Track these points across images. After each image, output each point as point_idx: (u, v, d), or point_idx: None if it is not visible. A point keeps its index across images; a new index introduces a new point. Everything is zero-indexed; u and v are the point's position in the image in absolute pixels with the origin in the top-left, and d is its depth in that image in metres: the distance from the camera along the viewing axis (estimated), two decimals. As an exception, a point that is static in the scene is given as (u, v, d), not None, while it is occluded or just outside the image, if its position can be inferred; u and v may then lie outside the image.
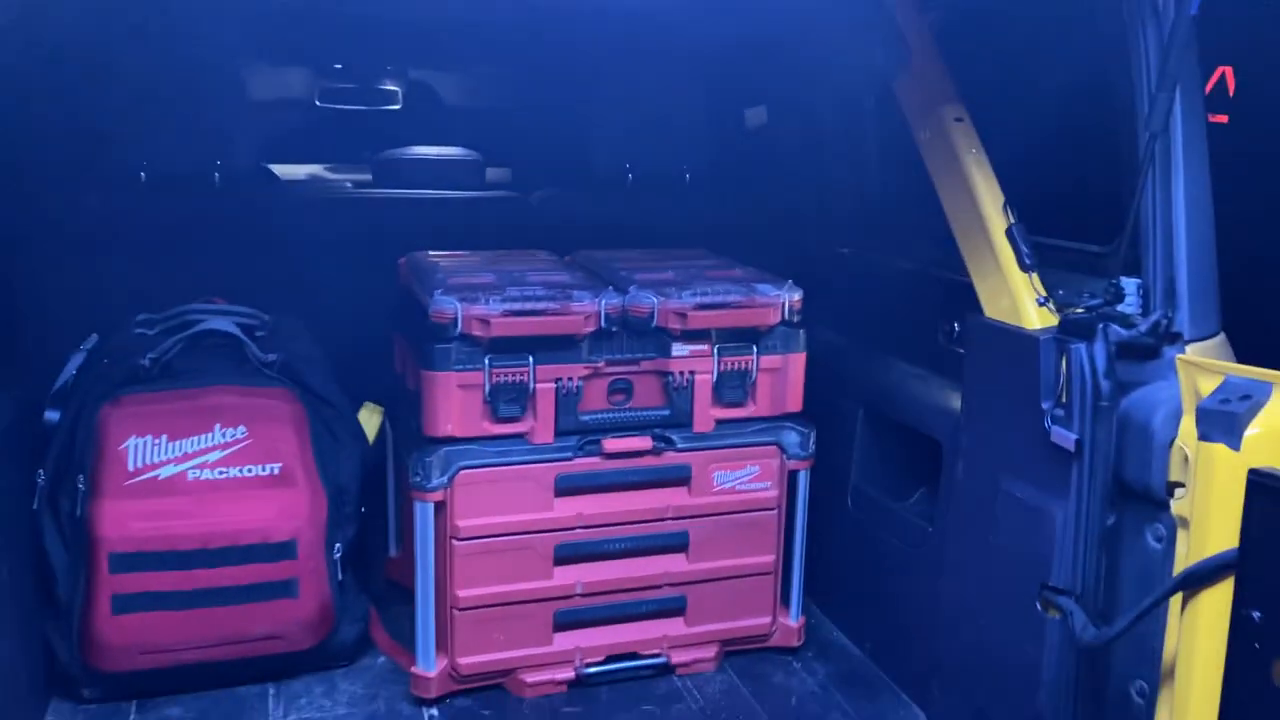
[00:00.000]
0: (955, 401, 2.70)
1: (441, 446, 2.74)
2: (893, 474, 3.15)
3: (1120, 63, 2.21)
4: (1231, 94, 3.72)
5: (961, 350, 2.67)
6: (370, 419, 3.14)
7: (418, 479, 2.73)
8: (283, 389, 2.86)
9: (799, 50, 3.28)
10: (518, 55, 4.21)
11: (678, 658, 3.00)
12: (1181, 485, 2.01)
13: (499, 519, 2.79)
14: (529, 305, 2.74)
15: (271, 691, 2.86)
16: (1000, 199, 2.51)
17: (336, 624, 2.90)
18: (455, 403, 2.73)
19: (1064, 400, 2.23)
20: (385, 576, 3.40)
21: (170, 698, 2.80)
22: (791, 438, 2.99)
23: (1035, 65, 2.68)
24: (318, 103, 5.40)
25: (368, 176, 4.44)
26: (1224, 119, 4.09)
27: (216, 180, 3.47)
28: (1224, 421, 1.76)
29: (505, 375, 2.74)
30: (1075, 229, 2.52)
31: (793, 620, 3.13)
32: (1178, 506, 2.01)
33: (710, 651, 3.04)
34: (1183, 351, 2.12)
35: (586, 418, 2.85)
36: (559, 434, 2.82)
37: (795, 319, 2.94)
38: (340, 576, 2.90)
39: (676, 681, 2.98)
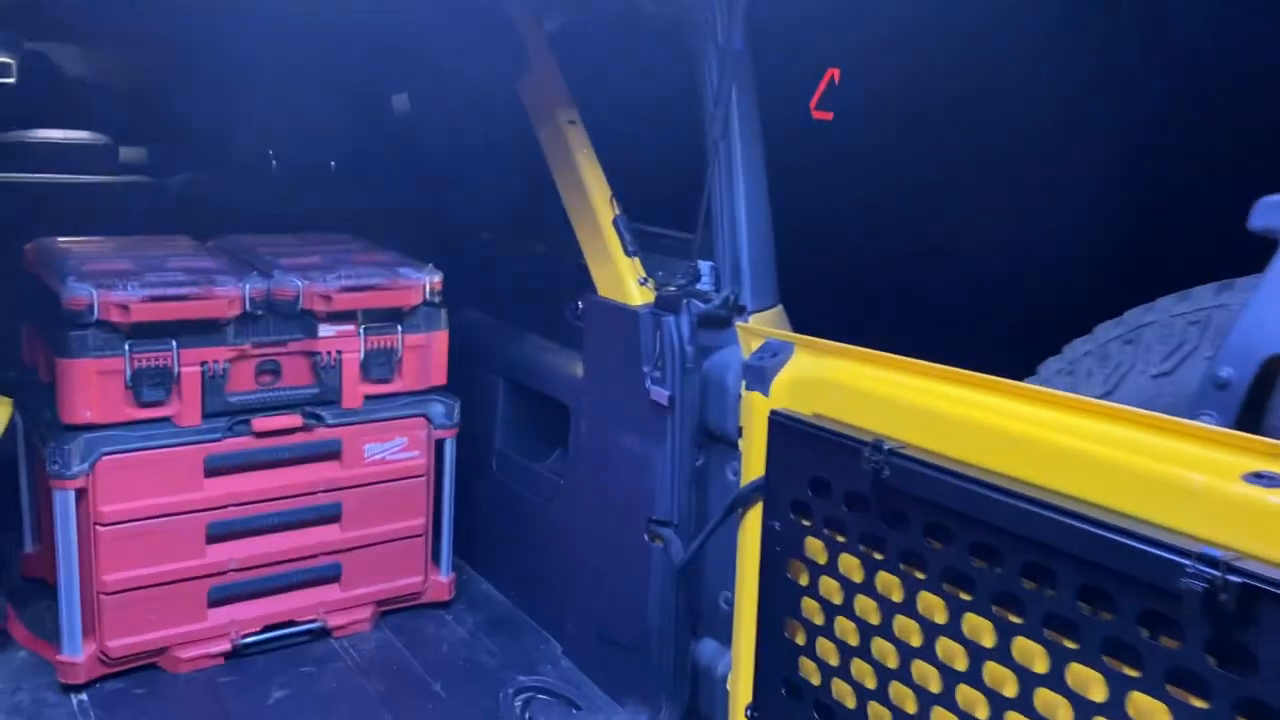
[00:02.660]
0: (580, 370, 3.07)
1: (81, 434, 2.74)
2: (532, 437, 3.49)
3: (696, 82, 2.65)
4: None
5: (583, 324, 3.04)
6: (-2, 411, 3.04)
7: (56, 467, 2.71)
8: (-106, 382, 2.72)
9: (434, 48, 3.51)
10: (152, 32, 4.10)
11: (334, 621, 3.16)
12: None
13: (146, 502, 2.83)
14: (170, 290, 2.79)
15: (-105, 699, 2.74)
16: (608, 192, 2.88)
17: (-32, 622, 2.82)
18: (94, 389, 2.73)
19: (660, 364, 2.65)
20: (22, 574, 3.31)
21: None
22: (437, 409, 3.24)
23: (641, 77, 3.09)
24: None
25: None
26: (829, 116, 4.68)
27: None
28: (759, 374, 2.20)
29: (147, 360, 2.78)
30: (674, 219, 2.95)
31: (443, 577, 3.39)
32: (741, 445, 2.47)
33: (366, 613, 3.23)
34: (746, 321, 2.59)
35: (235, 399, 2.94)
36: (206, 416, 2.89)
37: (436, 299, 3.19)
38: (-30, 573, 2.82)
39: (334, 643, 3.15)
